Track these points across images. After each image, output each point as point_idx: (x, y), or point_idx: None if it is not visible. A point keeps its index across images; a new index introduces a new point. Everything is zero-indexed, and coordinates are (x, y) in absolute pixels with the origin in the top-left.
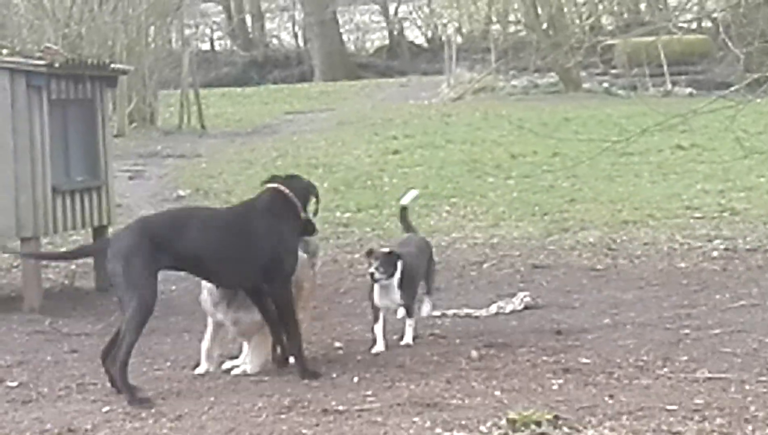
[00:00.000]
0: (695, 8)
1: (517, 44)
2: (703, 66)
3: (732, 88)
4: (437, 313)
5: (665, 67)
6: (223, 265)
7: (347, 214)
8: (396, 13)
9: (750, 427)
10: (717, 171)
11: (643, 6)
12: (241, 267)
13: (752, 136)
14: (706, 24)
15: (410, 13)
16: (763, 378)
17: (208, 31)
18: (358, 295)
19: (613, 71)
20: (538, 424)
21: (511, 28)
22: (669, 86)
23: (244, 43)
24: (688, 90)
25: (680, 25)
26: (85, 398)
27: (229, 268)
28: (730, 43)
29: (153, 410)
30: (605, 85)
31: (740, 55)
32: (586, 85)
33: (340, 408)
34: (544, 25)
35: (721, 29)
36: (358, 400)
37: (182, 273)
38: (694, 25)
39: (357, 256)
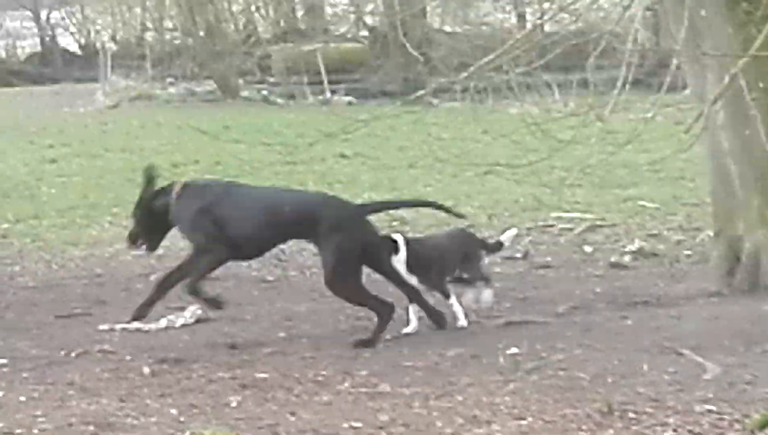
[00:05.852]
0: (352, 17)
1: (173, 51)
2: (360, 74)
3: (418, 93)
4: (105, 326)
5: (324, 76)
6: None
7: (5, 225)
8: (48, 19)
9: None
10: (383, 180)
11: (300, 15)
12: None
13: (415, 144)
14: (363, 33)
15: (62, 19)
16: (445, 392)
17: None
18: (20, 309)
19: (271, 79)
20: None
21: (167, 35)
22: (328, 94)
23: None
24: (347, 98)
25: (337, 34)
26: None
27: None
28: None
29: None
30: (264, 93)
31: (419, 58)
32: (244, 93)
33: (8, 430)
34: (201, 33)
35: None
36: (28, 421)
37: None
38: (350, 34)
39: (17, 268)
